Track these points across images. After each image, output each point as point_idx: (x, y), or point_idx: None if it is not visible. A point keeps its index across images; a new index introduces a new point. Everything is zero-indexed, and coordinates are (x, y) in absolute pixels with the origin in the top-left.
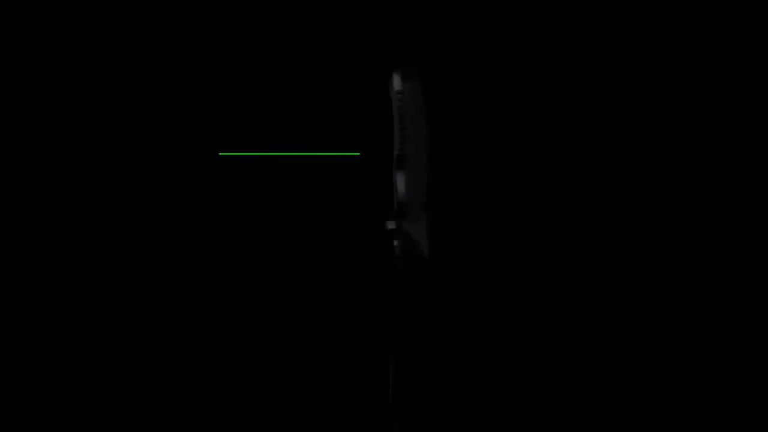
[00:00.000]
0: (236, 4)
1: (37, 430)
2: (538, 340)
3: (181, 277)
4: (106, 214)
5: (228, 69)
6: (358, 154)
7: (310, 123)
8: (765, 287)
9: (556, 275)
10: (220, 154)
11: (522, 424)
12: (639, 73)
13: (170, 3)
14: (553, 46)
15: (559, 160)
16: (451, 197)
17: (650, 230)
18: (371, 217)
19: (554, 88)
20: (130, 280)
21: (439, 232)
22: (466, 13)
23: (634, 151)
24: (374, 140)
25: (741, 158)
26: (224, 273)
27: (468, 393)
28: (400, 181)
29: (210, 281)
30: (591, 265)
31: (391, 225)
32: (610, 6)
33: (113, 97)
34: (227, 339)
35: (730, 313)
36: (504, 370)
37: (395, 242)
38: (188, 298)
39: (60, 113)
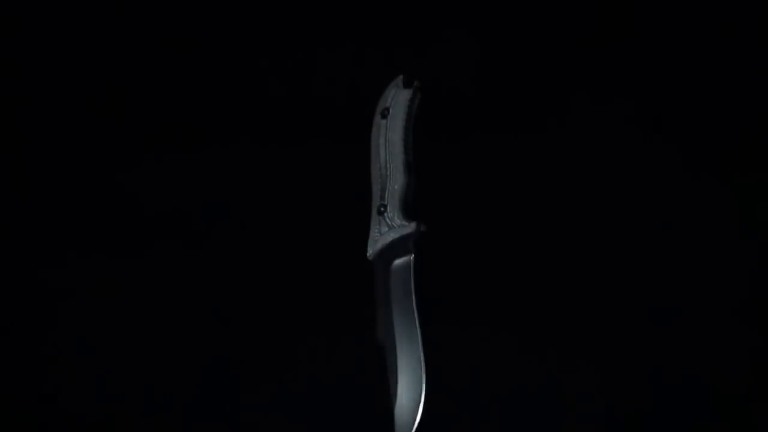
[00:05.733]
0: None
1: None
2: (535, 342)
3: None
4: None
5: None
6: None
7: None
8: (757, 292)
9: (555, 276)
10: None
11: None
12: (639, 75)
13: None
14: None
15: (557, 163)
16: (444, 199)
17: (647, 234)
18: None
19: (550, 91)
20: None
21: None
22: (464, 14)
23: (632, 154)
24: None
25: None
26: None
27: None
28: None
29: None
30: (590, 266)
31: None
32: (609, 8)
33: (135, 96)
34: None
35: (727, 315)
36: (499, 371)
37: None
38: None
39: (92, 113)
